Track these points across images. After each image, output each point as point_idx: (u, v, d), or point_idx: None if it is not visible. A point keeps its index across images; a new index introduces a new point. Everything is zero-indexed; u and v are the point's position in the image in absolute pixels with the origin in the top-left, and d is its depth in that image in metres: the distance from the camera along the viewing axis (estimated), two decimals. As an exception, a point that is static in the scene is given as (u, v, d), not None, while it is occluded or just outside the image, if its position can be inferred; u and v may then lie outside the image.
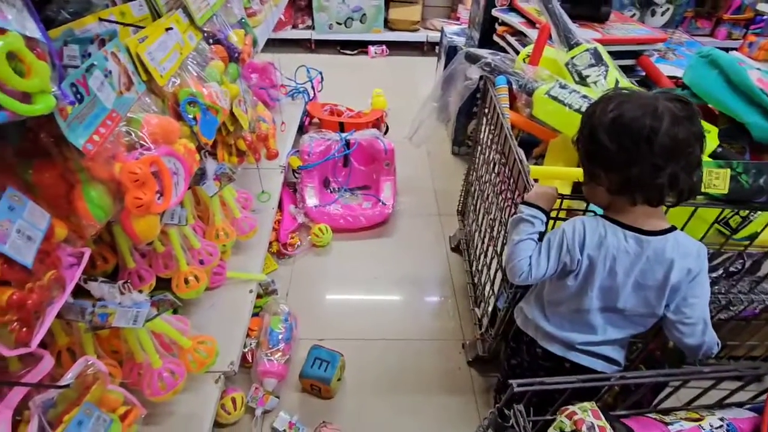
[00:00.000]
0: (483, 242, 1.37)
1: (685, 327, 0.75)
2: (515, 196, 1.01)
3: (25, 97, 0.55)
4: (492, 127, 1.28)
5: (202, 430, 1.02)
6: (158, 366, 0.94)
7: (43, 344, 0.87)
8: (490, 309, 1.26)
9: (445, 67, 2.27)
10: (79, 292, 0.85)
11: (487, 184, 1.33)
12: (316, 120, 2.59)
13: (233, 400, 1.19)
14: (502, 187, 1.15)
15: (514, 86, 1.27)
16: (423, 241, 1.91)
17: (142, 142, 0.82)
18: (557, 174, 1.05)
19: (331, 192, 2.13)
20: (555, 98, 1.13)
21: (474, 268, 1.53)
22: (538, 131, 1.26)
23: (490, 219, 1.29)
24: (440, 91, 2.33)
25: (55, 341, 0.89)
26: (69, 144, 0.65)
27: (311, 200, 1.99)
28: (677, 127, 0.69)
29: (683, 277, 0.75)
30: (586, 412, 0.48)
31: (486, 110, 1.39)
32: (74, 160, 0.70)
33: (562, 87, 1.15)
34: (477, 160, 1.55)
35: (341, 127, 2.44)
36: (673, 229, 0.77)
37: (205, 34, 1.31)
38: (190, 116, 1.02)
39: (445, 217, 2.04)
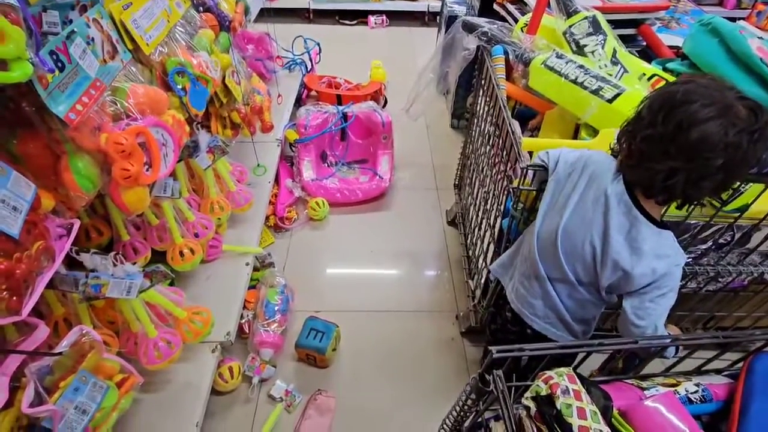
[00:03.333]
0: (477, 215, 1.37)
1: (635, 328, 0.73)
2: (507, 168, 1.00)
3: (1, 65, 0.54)
4: (488, 99, 1.25)
5: (199, 397, 1.06)
6: (154, 336, 0.96)
7: (39, 315, 0.90)
8: (482, 281, 1.28)
9: (445, 34, 2.21)
10: (74, 263, 0.86)
11: (483, 157, 1.32)
12: (313, 93, 2.55)
13: (230, 369, 1.22)
14: (496, 160, 1.14)
15: (511, 56, 1.24)
16: (420, 215, 1.91)
17: (128, 112, 0.81)
18: (550, 146, 1.04)
19: (328, 166, 2.11)
20: (551, 68, 1.10)
21: (469, 241, 1.53)
22: (534, 103, 1.24)
23: (485, 192, 1.29)
24: (439, 62, 2.28)
25: (51, 312, 0.91)
26: (52, 113, 0.64)
27: (308, 174, 1.98)
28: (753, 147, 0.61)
29: (644, 271, 0.71)
30: (562, 376, 0.49)
31: (482, 81, 1.36)
32: (59, 131, 0.69)
33: (559, 57, 1.12)
34: (473, 132, 1.53)
35: (339, 100, 2.40)
36: (665, 227, 0.73)
37: (194, 2, 1.27)
38: (179, 87, 1.00)
39: (442, 191, 2.03)
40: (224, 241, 1.46)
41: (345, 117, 2.08)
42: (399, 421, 1.23)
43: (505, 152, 1.02)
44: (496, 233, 1.12)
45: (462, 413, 0.68)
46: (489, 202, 1.22)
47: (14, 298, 0.60)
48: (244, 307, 1.42)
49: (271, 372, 1.29)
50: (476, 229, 1.39)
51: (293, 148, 2.05)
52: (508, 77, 1.26)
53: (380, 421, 1.23)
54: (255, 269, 1.53)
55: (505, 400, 0.49)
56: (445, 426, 0.80)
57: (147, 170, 0.81)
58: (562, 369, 0.51)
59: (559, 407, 0.47)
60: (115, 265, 0.85)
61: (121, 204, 0.78)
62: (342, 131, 2.12)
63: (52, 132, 0.69)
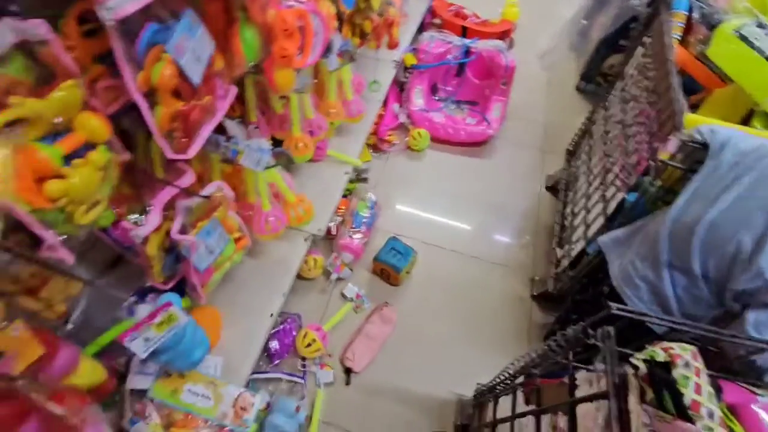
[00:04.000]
0: (590, 185, 1.29)
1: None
2: (653, 141, 0.90)
3: None
4: (648, 60, 1.11)
5: (288, 273, 1.18)
6: (267, 209, 1.07)
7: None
8: (574, 252, 1.23)
9: (606, -19, 1.95)
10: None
11: (619, 125, 1.20)
12: (437, 20, 2.43)
13: (315, 260, 1.34)
14: (639, 129, 1.03)
15: (695, 14, 1.07)
16: (518, 172, 1.84)
17: (293, -6, 0.83)
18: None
19: (437, 99, 2.06)
20: (745, 38, 0.94)
21: (568, 210, 1.46)
22: (703, 76, 1.08)
23: (609, 162, 1.19)
24: (588, 13, 2.04)
25: (191, 166, 1.03)
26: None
27: (417, 103, 1.95)
28: None
29: None
30: (686, 350, 0.48)
31: (647, 38, 1.20)
32: (238, -3, 0.74)
33: (760, 26, 0.95)
34: (613, 96, 1.39)
35: (463, 32, 2.26)
36: None
37: None
38: (334, -20, 1.00)
39: (548, 153, 1.92)
40: (329, 146, 1.52)
41: (467, 52, 1.98)
42: (449, 357, 1.29)
43: (657, 122, 0.92)
44: (611, 207, 1.05)
45: (542, 358, 0.69)
46: (612, 173, 1.13)
47: (184, 139, 0.69)
48: (335, 212, 1.51)
49: (348, 274, 1.39)
50: (583, 200, 1.31)
51: (407, 74, 2.02)
52: (681, 40, 1.10)
53: (432, 351, 1.30)
54: (350, 180, 1.59)
55: (612, 355, 0.49)
56: (512, 367, 0.82)
57: (299, 55, 0.84)
58: (686, 345, 0.49)
59: (675, 376, 0.46)
60: (249, 137, 0.93)
61: (272, 81, 0.84)
62: (460, 66, 2.03)
63: (233, -3, 0.74)
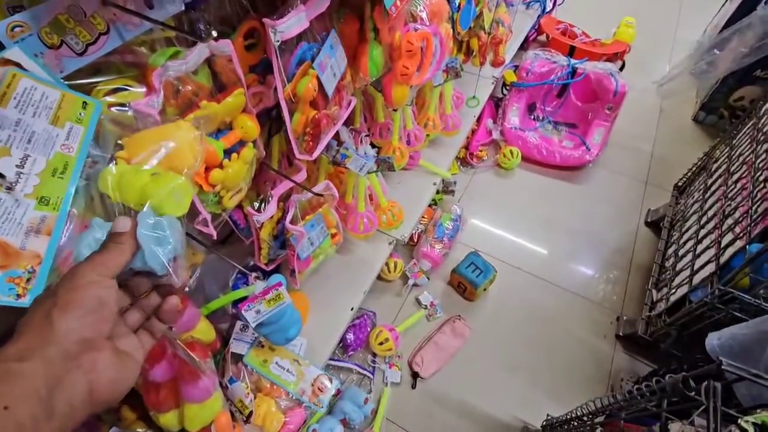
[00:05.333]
0: (702, 227, 1.19)
1: None
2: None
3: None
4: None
5: (371, 273, 1.25)
6: (362, 210, 1.15)
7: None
8: (674, 297, 1.14)
9: (737, 8, 1.78)
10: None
11: (745, 166, 1.10)
12: (542, 37, 2.38)
13: (395, 264, 1.39)
14: (770, 174, 0.94)
15: None
16: (615, 204, 1.74)
17: (417, 16, 0.90)
18: None
19: (533, 119, 2.02)
20: None
21: (671, 251, 1.36)
22: None
23: (728, 206, 1.09)
24: (716, 41, 1.87)
25: (304, 164, 1.14)
26: (379, 3, 0.75)
27: (512, 121, 1.93)
28: None
29: None
30: (807, 424, 0.44)
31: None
32: (371, 20, 0.81)
33: None
34: (741, 133, 1.26)
35: (571, 52, 2.19)
36: None
37: None
38: (456, 1, 1.05)
39: (651, 187, 1.78)
40: (422, 157, 1.57)
41: (573, 72, 1.92)
42: (517, 382, 1.27)
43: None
44: (726, 255, 0.96)
45: (630, 401, 0.67)
46: (732, 218, 1.04)
47: (311, 142, 0.78)
48: (419, 220, 1.56)
49: (424, 281, 1.43)
50: (691, 241, 1.21)
51: (505, 91, 2.01)
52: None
53: (500, 373, 1.28)
54: (437, 191, 1.63)
55: (716, 413, 0.47)
56: (592, 405, 0.80)
57: (416, 72, 0.90)
58: (807, 416, 0.45)
59: (791, 449, 0.43)
60: (356, 144, 1.01)
61: (390, 96, 0.91)
62: (562, 87, 1.97)
63: (367, 20, 0.82)
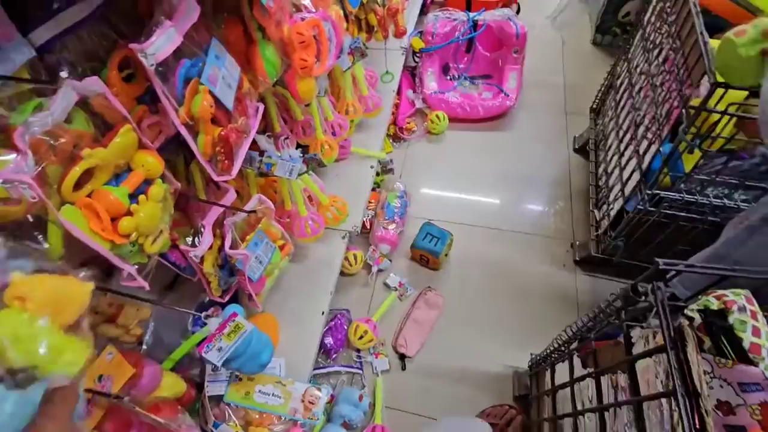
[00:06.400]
0: (621, 141, 1.26)
1: None
2: (683, 88, 0.88)
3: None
4: (668, 4, 1.07)
5: (332, 272, 1.23)
6: (304, 214, 1.12)
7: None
8: (613, 212, 1.22)
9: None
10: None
11: (643, 76, 1.17)
12: (439, -3, 2.40)
13: (354, 256, 1.38)
14: (666, 77, 1.01)
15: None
16: (544, 139, 1.81)
17: (303, 4, 0.86)
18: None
19: (449, 79, 2.05)
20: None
21: (601, 170, 1.44)
22: (729, 11, 1.04)
23: (638, 116, 1.17)
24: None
25: (231, 183, 1.09)
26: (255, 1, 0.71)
27: (430, 86, 1.95)
28: None
29: None
30: (739, 296, 0.48)
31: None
32: (254, 19, 0.77)
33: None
34: (633, 46, 1.34)
35: (468, 6, 2.22)
36: None
37: None
38: (338, -19, 1.02)
39: (572, 115, 1.87)
40: (352, 144, 1.55)
41: (475, 26, 1.95)
42: (499, 332, 1.31)
43: (684, 69, 0.89)
44: (646, 161, 1.03)
45: (595, 322, 0.71)
46: (643, 126, 1.11)
47: (227, 161, 0.73)
48: (366, 207, 1.54)
49: (387, 265, 1.43)
50: (615, 157, 1.29)
51: (416, 58, 2.01)
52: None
53: (481, 329, 1.32)
54: (376, 173, 1.62)
55: (665, 309, 0.50)
56: (565, 334, 0.84)
57: (316, 63, 0.87)
58: (739, 290, 0.50)
59: (731, 322, 0.47)
60: (280, 149, 0.97)
61: (295, 92, 0.87)
62: (468, 42, 2.00)
63: (250, 20, 0.77)
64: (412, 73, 2.05)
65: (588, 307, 1.34)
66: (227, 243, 0.84)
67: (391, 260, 1.45)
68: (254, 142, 0.97)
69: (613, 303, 0.64)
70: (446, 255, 1.43)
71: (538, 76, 2.01)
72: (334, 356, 1.22)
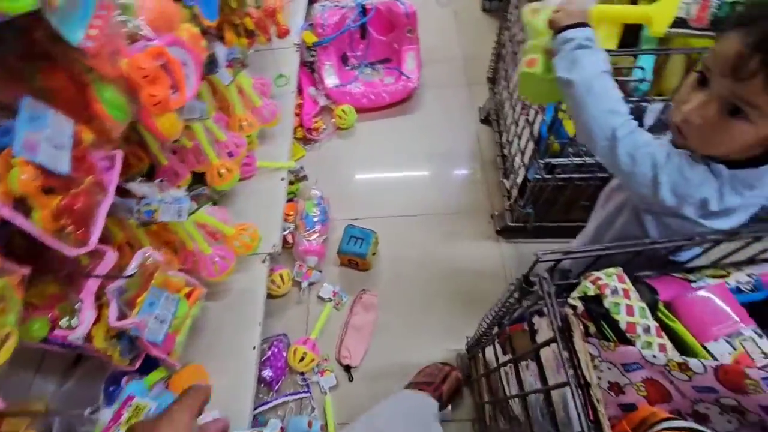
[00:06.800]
0: (514, 111, 1.29)
1: None
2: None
3: (4, -7, 0.50)
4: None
5: (257, 301, 1.17)
6: (209, 253, 1.04)
7: (105, 240, 0.97)
8: (519, 180, 1.25)
9: None
10: (126, 191, 0.90)
11: (522, 45, 1.19)
12: (325, -15, 2.30)
13: (281, 276, 1.32)
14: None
15: None
16: (451, 115, 1.83)
17: (142, 32, 0.76)
18: (617, 15, 0.87)
19: (350, 69, 1.99)
20: None
21: (504, 140, 1.47)
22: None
23: (523, 86, 1.19)
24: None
25: (113, 237, 0.98)
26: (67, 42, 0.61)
27: (331, 80, 1.88)
28: None
29: None
30: (611, 276, 0.50)
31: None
32: (79, 60, 0.67)
33: None
34: (511, 15, 1.36)
35: (355, -9, 2.16)
36: None
37: None
38: (187, -5, 0.92)
39: (474, 86, 1.90)
40: (256, 157, 1.47)
41: (364, 11, 1.90)
42: (438, 320, 1.32)
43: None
44: (536, 131, 1.06)
45: (504, 310, 0.72)
46: (528, 97, 1.13)
47: (80, 230, 0.64)
48: (285, 220, 1.48)
49: (318, 276, 1.39)
50: (513, 126, 1.32)
51: (312, 53, 1.93)
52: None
53: (421, 320, 1.33)
54: (290, 183, 1.56)
55: (550, 300, 0.51)
56: (486, 320, 0.85)
57: (174, 93, 0.79)
58: (611, 269, 0.51)
59: (607, 306, 0.48)
60: (162, 191, 0.88)
61: (156, 131, 0.78)
62: (362, 28, 1.95)
63: (73, 62, 0.67)
64: (311, 69, 1.97)
65: (515, 271, 1.39)
66: (111, 314, 0.75)
67: (320, 271, 1.41)
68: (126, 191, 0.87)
69: (513, 294, 0.64)
70: (374, 254, 1.41)
71: (436, 52, 2.01)
72: (276, 387, 1.17)
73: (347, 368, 1.24)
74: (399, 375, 1.23)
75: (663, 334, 0.49)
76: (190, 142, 1.20)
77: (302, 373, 1.21)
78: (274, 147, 1.55)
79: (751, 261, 0.64)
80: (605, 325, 0.49)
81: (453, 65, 2.01)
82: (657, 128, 0.92)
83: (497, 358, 0.80)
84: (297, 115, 1.80)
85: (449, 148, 1.72)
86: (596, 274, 0.51)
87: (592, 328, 0.51)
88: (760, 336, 0.50)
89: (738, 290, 0.58)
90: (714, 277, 0.59)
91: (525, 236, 1.43)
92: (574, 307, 0.52)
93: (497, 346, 0.81)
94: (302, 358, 1.19)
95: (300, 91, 1.87)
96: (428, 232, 1.51)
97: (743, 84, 0.50)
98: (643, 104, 0.86)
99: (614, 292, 0.49)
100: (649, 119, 0.88)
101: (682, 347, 0.52)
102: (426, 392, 1.10)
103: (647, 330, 0.48)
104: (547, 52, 0.72)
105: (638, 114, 0.88)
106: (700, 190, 0.58)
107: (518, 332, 0.70)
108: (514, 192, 1.32)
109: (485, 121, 1.76)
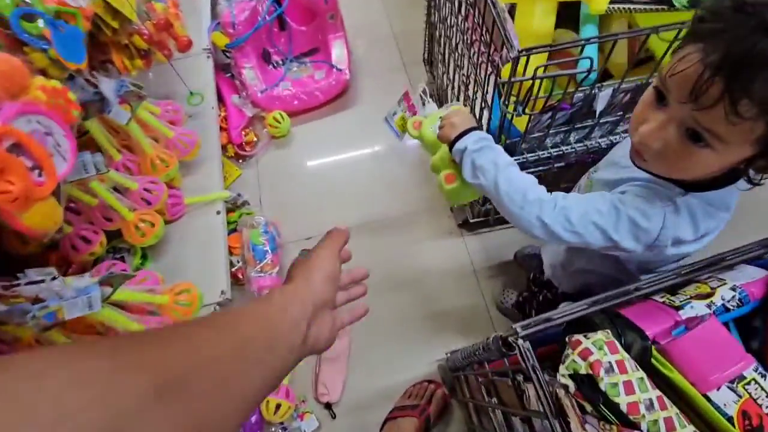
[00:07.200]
0: (458, 99, 1.19)
1: None
2: (491, 51, 0.79)
3: None
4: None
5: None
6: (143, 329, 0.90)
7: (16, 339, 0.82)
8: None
9: None
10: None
11: (454, 29, 1.07)
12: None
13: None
14: (474, 37, 0.91)
15: None
16: (390, 103, 1.69)
17: (-26, 104, 0.59)
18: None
19: (274, 67, 1.80)
20: None
21: (451, 130, 1.37)
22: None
23: (463, 75, 1.08)
24: None
25: (20, 339, 0.82)
26: None
27: (254, 84, 1.69)
28: None
29: None
30: (602, 349, 0.42)
31: None
32: None
33: None
34: (435, -6, 1.23)
35: (261, -23, 1.93)
36: None
37: None
38: (35, 36, 0.73)
39: (412, 66, 1.76)
40: (184, 193, 1.29)
41: (277, 1, 1.70)
42: (414, 332, 1.25)
43: (485, 31, 0.80)
44: (484, 125, 0.96)
45: (479, 357, 0.64)
46: (471, 88, 1.03)
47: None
48: (231, 254, 1.34)
49: (279, 313, 1.27)
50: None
51: (228, 56, 1.72)
52: None
53: (395, 337, 1.25)
54: (230, 211, 1.41)
55: (536, 375, 0.43)
56: (460, 355, 0.78)
57: (39, 176, 0.62)
58: (599, 337, 0.44)
59: (604, 389, 0.41)
60: (59, 287, 0.73)
61: (25, 229, 0.62)
62: (279, 19, 1.74)
63: None
64: (231, 74, 1.76)
65: (484, 265, 1.33)
66: None
67: (281, 305, 1.29)
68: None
69: (489, 346, 0.56)
70: (335, 276, 1.30)
71: (365, 34, 1.85)
72: (254, 447, 1.08)
73: (328, 405, 1.16)
74: (383, 400, 1.17)
75: (666, 404, 0.42)
76: (94, 200, 1.02)
77: (281, 423, 1.12)
78: (202, 176, 1.37)
79: (722, 260, 0.59)
80: (603, 408, 0.42)
81: (385, 45, 1.85)
82: (608, 112, 0.86)
83: (483, 397, 0.74)
84: (223, 130, 1.61)
85: (394, 142, 1.60)
86: (584, 344, 0.44)
87: (588, 407, 0.44)
88: (763, 376, 0.45)
89: (725, 309, 0.52)
90: (699, 298, 0.53)
91: (488, 225, 1.37)
92: (565, 386, 0.44)
93: (480, 381, 0.74)
94: (276, 410, 1.09)
95: (223, 102, 1.68)
96: (390, 237, 1.42)
97: (704, 112, 0.43)
98: (593, 92, 0.78)
99: (609, 370, 0.42)
100: (600, 105, 0.80)
101: (681, 396, 0.46)
102: (412, 417, 1.04)
103: (650, 406, 0.42)
104: (453, 162, 0.73)
105: (590, 102, 0.81)
106: (667, 233, 0.53)
107: (502, 384, 0.63)
108: (471, 186, 1.24)
109: (429, 105, 1.64)
